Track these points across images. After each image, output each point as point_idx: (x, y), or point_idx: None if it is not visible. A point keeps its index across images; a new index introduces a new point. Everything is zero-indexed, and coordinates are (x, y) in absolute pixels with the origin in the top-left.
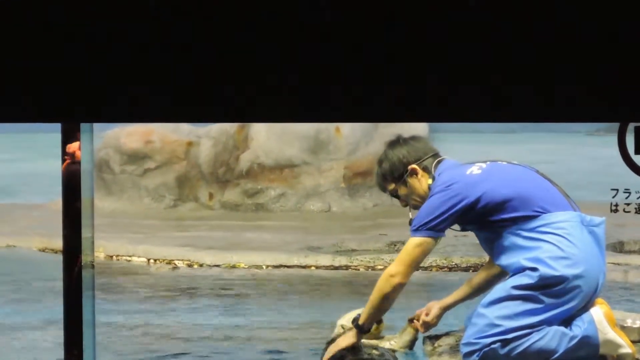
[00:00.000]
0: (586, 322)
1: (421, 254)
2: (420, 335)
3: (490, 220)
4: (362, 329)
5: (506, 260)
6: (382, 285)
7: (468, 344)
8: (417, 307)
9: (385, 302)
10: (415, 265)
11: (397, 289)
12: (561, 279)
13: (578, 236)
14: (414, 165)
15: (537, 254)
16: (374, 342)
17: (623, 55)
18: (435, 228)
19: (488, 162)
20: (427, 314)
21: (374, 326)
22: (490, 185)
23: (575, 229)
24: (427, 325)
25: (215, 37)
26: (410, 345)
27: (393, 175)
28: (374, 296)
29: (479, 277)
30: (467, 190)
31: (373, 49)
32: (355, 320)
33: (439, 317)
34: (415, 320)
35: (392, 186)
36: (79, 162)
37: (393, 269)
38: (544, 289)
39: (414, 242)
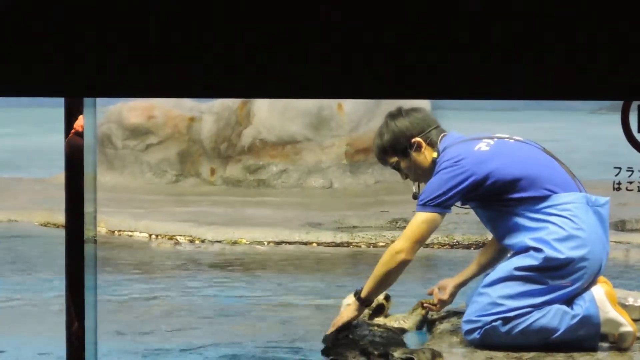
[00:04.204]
0: (587, 301)
1: (427, 230)
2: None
3: (496, 199)
4: (364, 302)
5: (510, 240)
6: (387, 260)
7: (469, 321)
8: (419, 285)
9: (389, 277)
10: (421, 241)
11: (402, 265)
12: (566, 261)
13: (583, 217)
14: (418, 139)
15: (542, 235)
16: (382, 319)
17: (626, 32)
18: (442, 204)
19: (495, 139)
20: (440, 291)
21: (384, 303)
22: (499, 163)
23: (580, 210)
24: (443, 303)
25: (215, 12)
26: (420, 325)
27: (395, 148)
28: (378, 271)
29: (487, 253)
30: (476, 167)
31: (375, 24)
32: (357, 293)
33: (453, 295)
34: (428, 303)
35: (393, 159)
36: (81, 136)
37: (399, 245)
38: (548, 271)
39: (421, 218)
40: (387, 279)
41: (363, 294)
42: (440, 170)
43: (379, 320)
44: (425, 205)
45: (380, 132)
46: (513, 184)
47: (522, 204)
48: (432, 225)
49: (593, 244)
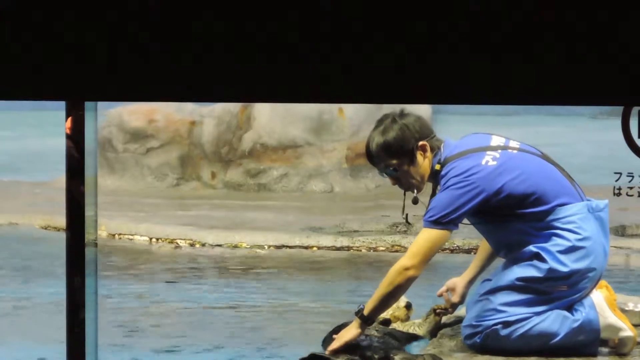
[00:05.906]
0: (587, 306)
1: (437, 247)
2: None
3: (502, 214)
4: (367, 320)
5: (512, 253)
6: (395, 277)
7: (469, 326)
8: (418, 290)
9: (396, 295)
10: (430, 258)
11: (410, 281)
12: (570, 273)
13: (586, 227)
14: (426, 142)
15: (547, 245)
16: (399, 324)
17: (627, 38)
18: (454, 222)
19: (499, 151)
20: (450, 293)
21: (404, 311)
22: (507, 178)
23: (584, 221)
24: (455, 306)
25: (215, 15)
26: (435, 332)
27: (400, 148)
28: (385, 288)
29: (487, 245)
30: (486, 182)
31: (371, 30)
32: (360, 311)
33: (464, 295)
34: (440, 309)
35: (393, 161)
36: (70, 138)
37: (408, 262)
38: (551, 281)
39: (431, 236)
40: (393, 297)
41: (366, 312)
42: (449, 186)
43: (396, 325)
44: (436, 223)
45: (384, 130)
46: (523, 200)
47: (527, 218)
48: (442, 243)
49: (596, 253)
